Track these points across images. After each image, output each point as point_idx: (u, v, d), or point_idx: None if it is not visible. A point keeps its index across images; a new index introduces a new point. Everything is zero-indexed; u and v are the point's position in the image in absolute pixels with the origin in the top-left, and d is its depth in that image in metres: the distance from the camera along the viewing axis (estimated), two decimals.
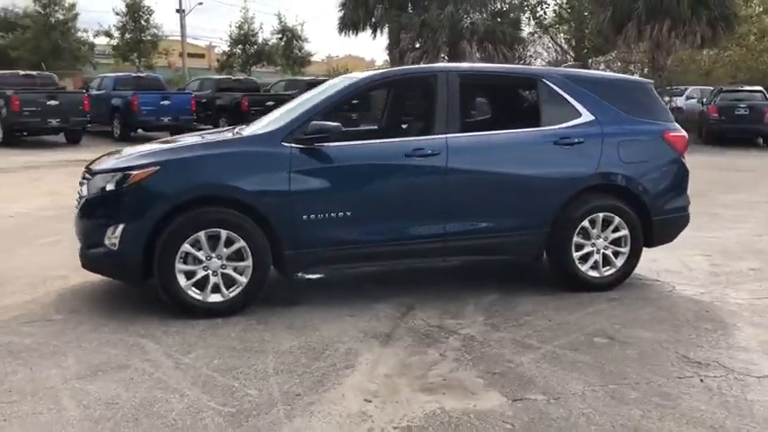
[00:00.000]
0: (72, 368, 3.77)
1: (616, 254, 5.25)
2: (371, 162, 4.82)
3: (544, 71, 5.40)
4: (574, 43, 35.33)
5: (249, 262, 4.59)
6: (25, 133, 17.49)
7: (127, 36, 41.07)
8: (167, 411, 3.27)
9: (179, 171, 4.56)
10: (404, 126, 6.03)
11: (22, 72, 19.39)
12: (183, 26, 42.68)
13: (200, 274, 4.54)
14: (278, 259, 4.70)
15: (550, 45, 39.58)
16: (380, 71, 5.20)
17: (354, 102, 6.27)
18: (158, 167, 4.50)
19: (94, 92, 20.64)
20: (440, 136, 4.90)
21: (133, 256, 4.44)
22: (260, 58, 44.66)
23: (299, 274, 4.86)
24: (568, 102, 5.18)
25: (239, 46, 44.71)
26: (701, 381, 3.67)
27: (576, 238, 5.14)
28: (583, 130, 5.15)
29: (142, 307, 4.72)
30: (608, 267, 5.26)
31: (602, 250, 5.21)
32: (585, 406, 3.36)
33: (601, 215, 5.15)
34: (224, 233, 4.53)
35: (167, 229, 4.44)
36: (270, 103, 19.77)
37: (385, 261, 5.01)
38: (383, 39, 32.05)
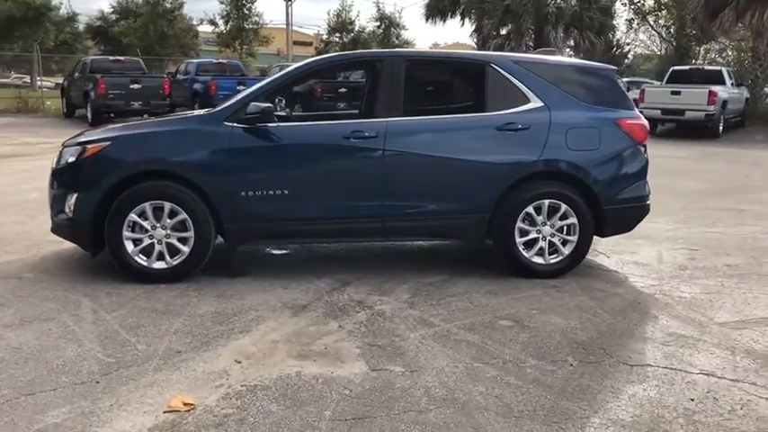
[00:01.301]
0: (6, 318, 4.25)
1: (564, 242, 5.22)
2: (310, 142, 5.04)
3: (495, 56, 5.41)
4: (674, 31, 33.67)
5: (191, 233, 4.94)
6: (112, 115, 18.82)
7: (230, 24, 42.87)
8: (57, 357, 3.66)
9: (128, 146, 4.97)
10: (350, 110, 6.21)
11: (111, 57, 20.84)
12: (288, 14, 44.13)
13: (146, 242, 4.94)
14: (220, 232, 5.03)
15: (653, 33, 37.93)
16: (329, 55, 5.39)
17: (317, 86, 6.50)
18: (110, 142, 4.93)
19: (180, 76, 21.85)
20: (380, 119, 5.06)
21: (84, 222, 4.89)
22: (356, 45, 45.49)
23: (267, 249, 5.17)
24: (517, 88, 5.18)
25: (336, 34, 45.72)
26: (571, 366, 3.67)
27: (519, 224, 5.15)
28: (530, 116, 5.14)
29: (104, 271, 5.17)
30: (555, 255, 5.24)
31: (548, 237, 5.19)
32: (434, 380, 3.46)
33: (546, 202, 5.14)
34: (168, 205, 4.90)
35: (117, 200, 4.86)
36: (342, 90, 20.31)
37: (324, 238, 5.24)
38: (470, 26, 31.92)
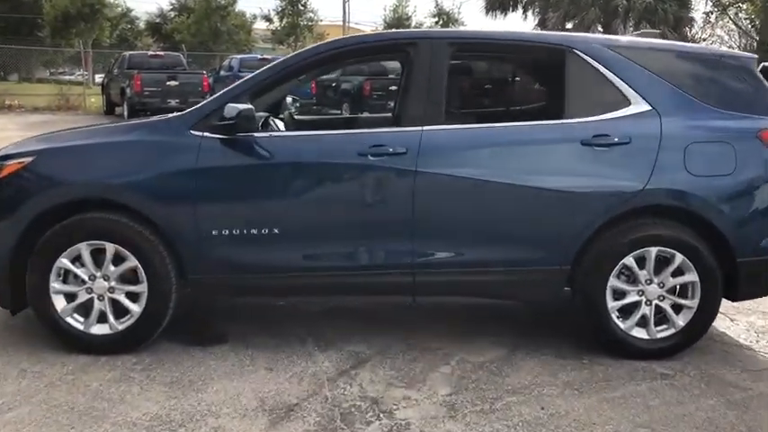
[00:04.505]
0: None
1: (678, 308, 3.58)
2: (311, 161, 3.53)
3: (579, 39, 3.76)
4: (759, 24, 30.85)
5: (144, 286, 3.51)
6: (148, 113, 17.79)
7: (285, 21, 42.09)
8: None
9: (56, 164, 3.56)
10: (370, 114, 4.66)
11: (150, 52, 19.86)
12: (345, 11, 42.98)
13: (83, 297, 3.53)
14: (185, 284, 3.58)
15: (732, 27, 35.17)
16: (341, 38, 3.84)
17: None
18: (32, 158, 3.53)
19: (223, 73, 20.74)
20: (411, 129, 3.51)
21: None
22: None
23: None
24: (612, 84, 3.56)
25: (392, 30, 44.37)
26: None
27: (613, 281, 3.54)
28: (631, 125, 3.52)
29: (27, 334, 3.77)
30: (664, 327, 3.60)
31: (654, 301, 3.56)
32: None
33: (654, 250, 3.50)
34: (111, 247, 3.47)
35: (41, 238, 3.46)
36: (393, 87, 18.80)
37: (329, 296, 3.71)
38: (534, 20, 29.96)
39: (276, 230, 3.47)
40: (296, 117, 4.48)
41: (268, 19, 42.75)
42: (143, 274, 3.49)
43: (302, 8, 41.94)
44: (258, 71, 3.73)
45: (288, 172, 3.54)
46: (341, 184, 3.54)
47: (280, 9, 41.56)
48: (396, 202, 3.48)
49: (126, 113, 17.43)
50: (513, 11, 29.94)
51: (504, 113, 4.12)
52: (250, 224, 3.47)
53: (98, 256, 3.51)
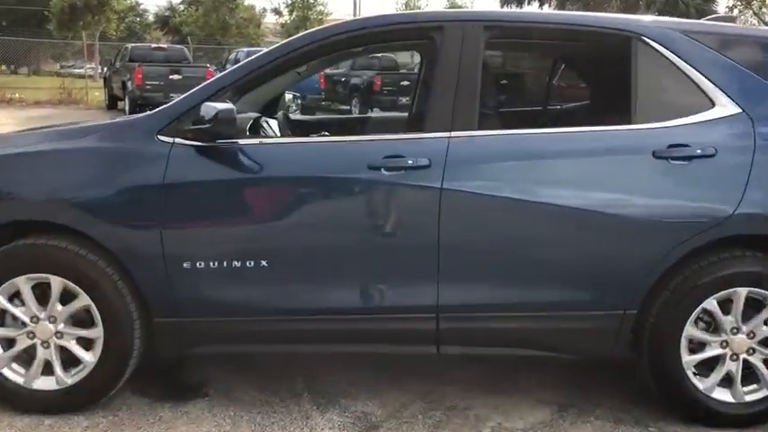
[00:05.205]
0: None
1: None
2: (310, 175, 2.79)
3: (648, 23, 2.96)
4: None
5: (99, 330, 2.79)
6: (149, 108, 17.13)
7: (295, 14, 41.48)
8: None
9: None
10: (383, 116, 3.91)
11: (153, 45, 19.17)
12: (355, 4, 42.22)
13: (23, 343, 2.82)
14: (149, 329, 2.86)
15: (755, 22, 34.15)
16: (346, 21, 3.08)
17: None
18: None
19: (230, 66, 20.00)
20: (436, 135, 2.77)
21: None
22: None
23: None
24: (692, 80, 2.81)
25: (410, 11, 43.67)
26: None
27: (690, 330, 2.79)
28: (716, 132, 2.76)
29: None
30: (754, 387, 2.84)
31: (742, 355, 2.80)
32: None
33: (743, 291, 2.75)
34: (56, 281, 2.76)
35: None
36: (405, 82, 18.06)
37: (331, 345, 2.95)
38: None
39: (264, 263, 2.75)
40: (292, 118, 3.74)
41: (278, 12, 42.25)
42: (98, 315, 2.78)
43: (312, 1, 41.31)
44: (246, 60, 2.99)
45: (280, 189, 2.81)
46: (346, 206, 2.80)
47: (289, 2, 40.91)
48: (416, 228, 2.75)
49: (127, 108, 16.79)
50: (528, 4, 29.08)
51: (552, 116, 3.37)
52: (232, 255, 2.75)
53: (39, 293, 2.80)
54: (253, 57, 2.95)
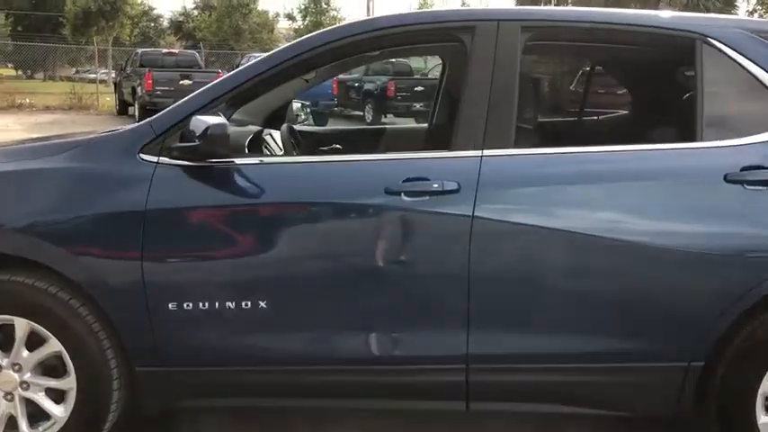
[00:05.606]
0: None
1: None
2: (318, 201, 2.38)
3: (714, 23, 2.51)
4: None
5: (72, 381, 2.40)
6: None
7: (308, 20, 41.40)
8: None
9: None
10: (394, 127, 3.48)
11: (164, 50, 18.90)
12: (369, 10, 42.02)
13: None
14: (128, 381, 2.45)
15: None
16: (360, 20, 2.66)
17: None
18: None
19: None
20: (465, 153, 2.35)
21: None
22: None
23: None
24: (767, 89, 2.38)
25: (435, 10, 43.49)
26: None
27: (767, 386, 2.35)
28: None
29: None
30: None
31: None
32: None
33: None
34: (21, 323, 2.37)
35: None
36: (419, 88, 17.67)
37: (341, 400, 2.53)
38: None
39: (263, 304, 2.34)
40: (298, 130, 3.32)
41: (291, 17, 42.20)
42: (70, 363, 2.38)
43: (326, 6, 41.17)
44: (244, 66, 2.60)
45: (281, 218, 2.40)
46: (360, 238, 2.38)
47: (303, 7, 40.78)
48: (442, 264, 2.33)
49: (137, 114, 16.52)
50: (545, 5, 28.58)
51: (601, 132, 2.94)
52: (225, 294, 2.34)
53: (6, 336, 2.41)
54: (252, 62, 2.55)
